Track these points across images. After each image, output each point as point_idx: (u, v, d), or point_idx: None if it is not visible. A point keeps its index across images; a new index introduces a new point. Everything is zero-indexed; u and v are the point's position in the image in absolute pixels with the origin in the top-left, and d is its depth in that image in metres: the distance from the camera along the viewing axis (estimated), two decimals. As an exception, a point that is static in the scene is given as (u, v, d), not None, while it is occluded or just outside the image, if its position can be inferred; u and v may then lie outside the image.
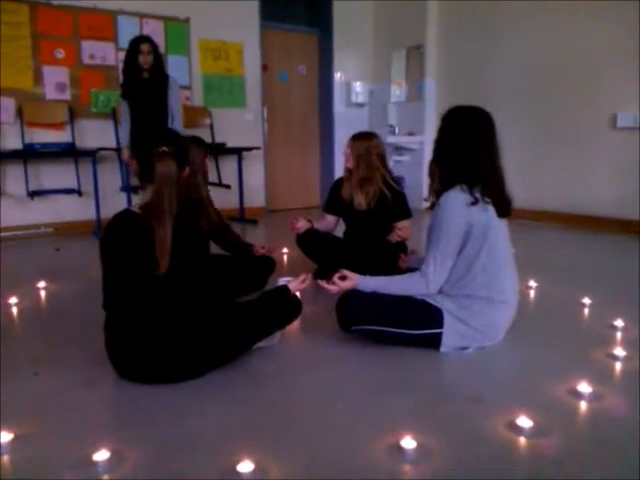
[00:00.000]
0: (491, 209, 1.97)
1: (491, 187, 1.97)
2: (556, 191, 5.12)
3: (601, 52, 4.66)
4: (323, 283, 2.11)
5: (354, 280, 2.10)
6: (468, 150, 1.98)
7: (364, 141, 2.95)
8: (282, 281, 2.47)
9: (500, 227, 2.02)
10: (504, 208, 2.02)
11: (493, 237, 1.97)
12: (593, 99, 4.76)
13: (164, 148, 1.75)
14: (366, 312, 2.04)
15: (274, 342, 2.11)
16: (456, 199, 1.95)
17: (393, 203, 2.92)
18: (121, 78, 4.42)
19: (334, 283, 2.09)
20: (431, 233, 2.01)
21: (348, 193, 3.01)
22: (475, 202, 1.93)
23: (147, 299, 1.77)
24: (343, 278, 2.10)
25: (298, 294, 2.11)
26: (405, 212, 2.98)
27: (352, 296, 2.10)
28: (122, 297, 1.78)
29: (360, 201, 2.95)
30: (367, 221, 2.98)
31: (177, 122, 4.32)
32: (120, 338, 1.80)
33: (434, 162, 2.08)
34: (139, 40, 4.20)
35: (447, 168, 2.03)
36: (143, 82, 4.22)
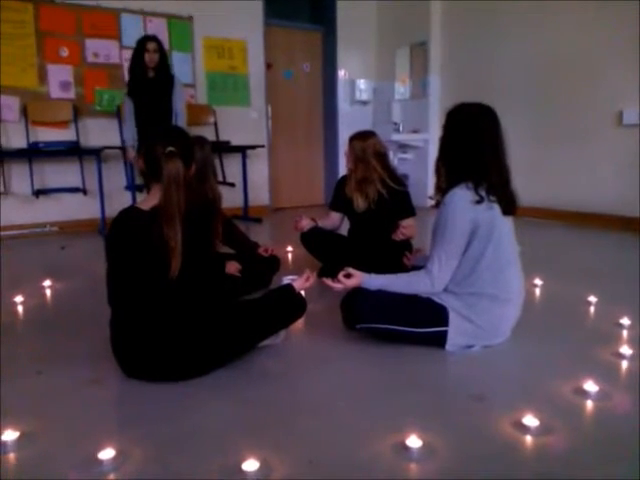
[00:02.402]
0: (496, 207, 1.96)
1: (496, 185, 1.96)
2: (561, 189, 5.10)
3: (606, 48, 4.63)
4: (328, 281, 2.11)
5: (359, 278, 2.09)
6: (473, 148, 1.97)
7: (360, 141, 2.94)
8: (287, 279, 2.47)
9: (505, 225, 2.01)
10: (509, 206, 2.01)
11: (498, 235, 1.96)
12: (598, 96, 4.73)
13: (171, 148, 1.75)
14: (371, 310, 2.04)
15: (279, 340, 2.11)
16: (462, 197, 1.94)
17: (393, 203, 2.91)
18: (126, 76, 4.44)
19: (339, 281, 2.09)
20: (436, 231, 2.00)
21: (349, 193, 3.01)
22: (480, 200, 1.92)
23: (153, 297, 1.77)
24: (348, 276, 2.10)
25: (303, 292, 2.11)
26: (409, 210, 2.97)
27: (357, 294, 2.10)
28: (128, 295, 1.79)
29: (359, 203, 2.95)
30: (369, 221, 2.98)
31: (181, 121, 4.35)
32: (126, 335, 1.80)
33: (440, 160, 2.08)
34: (146, 39, 4.26)
35: (452, 166, 2.02)
36: (149, 81, 4.26)
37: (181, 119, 4.36)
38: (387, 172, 2.94)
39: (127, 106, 4.39)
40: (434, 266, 1.98)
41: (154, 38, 4.27)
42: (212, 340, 1.82)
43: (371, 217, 2.95)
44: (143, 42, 4.21)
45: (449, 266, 1.97)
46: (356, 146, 2.93)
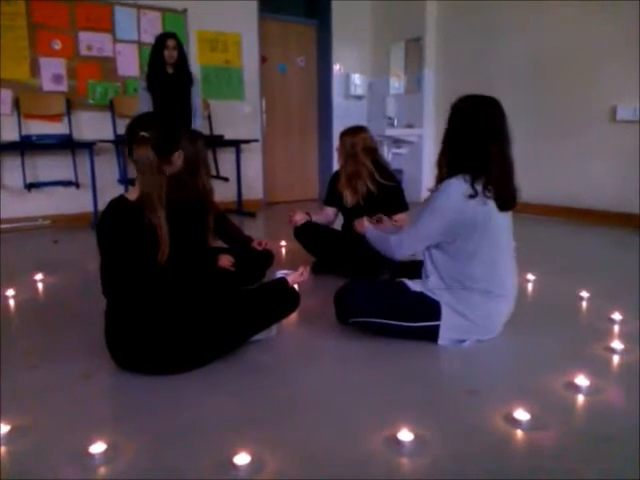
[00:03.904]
0: (491, 202, 1.95)
1: (496, 180, 1.94)
2: (555, 184, 5.11)
3: (601, 44, 4.63)
4: (359, 221, 2.47)
5: (365, 228, 2.39)
6: (477, 139, 1.94)
7: (349, 137, 2.95)
8: (280, 274, 2.47)
9: (501, 220, 2.01)
10: (507, 202, 1.99)
11: (493, 230, 1.96)
12: (593, 91, 4.74)
13: (143, 133, 1.71)
14: (363, 304, 2.04)
15: (272, 335, 2.11)
16: (457, 187, 1.93)
17: (383, 198, 2.90)
18: (119, 69, 4.42)
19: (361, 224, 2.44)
20: (422, 207, 2.05)
21: (340, 188, 3.01)
22: (474, 195, 1.91)
23: (144, 287, 1.77)
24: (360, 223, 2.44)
25: (296, 287, 2.10)
26: (401, 205, 2.97)
27: (350, 289, 2.11)
28: (121, 285, 1.78)
29: (348, 199, 2.95)
30: (359, 216, 2.97)
31: (199, 118, 4.44)
32: (120, 326, 1.79)
33: (442, 153, 2.06)
34: (165, 35, 4.33)
35: (455, 157, 2.01)
36: (167, 77, 4.31)
37: (199, 117, 4.44)
38: (377, 167, 2.94)
39: (144, 100, 4.37)
40: (403, 235, 2.13)
41: (173, 35, 4.32)
42: (205, 333, 1.82)
43: (362, 212, 2.94)
44: (162, 39, 4.26)
45: (419, 240, 2.08)
46: (346, 141, 2.94)
